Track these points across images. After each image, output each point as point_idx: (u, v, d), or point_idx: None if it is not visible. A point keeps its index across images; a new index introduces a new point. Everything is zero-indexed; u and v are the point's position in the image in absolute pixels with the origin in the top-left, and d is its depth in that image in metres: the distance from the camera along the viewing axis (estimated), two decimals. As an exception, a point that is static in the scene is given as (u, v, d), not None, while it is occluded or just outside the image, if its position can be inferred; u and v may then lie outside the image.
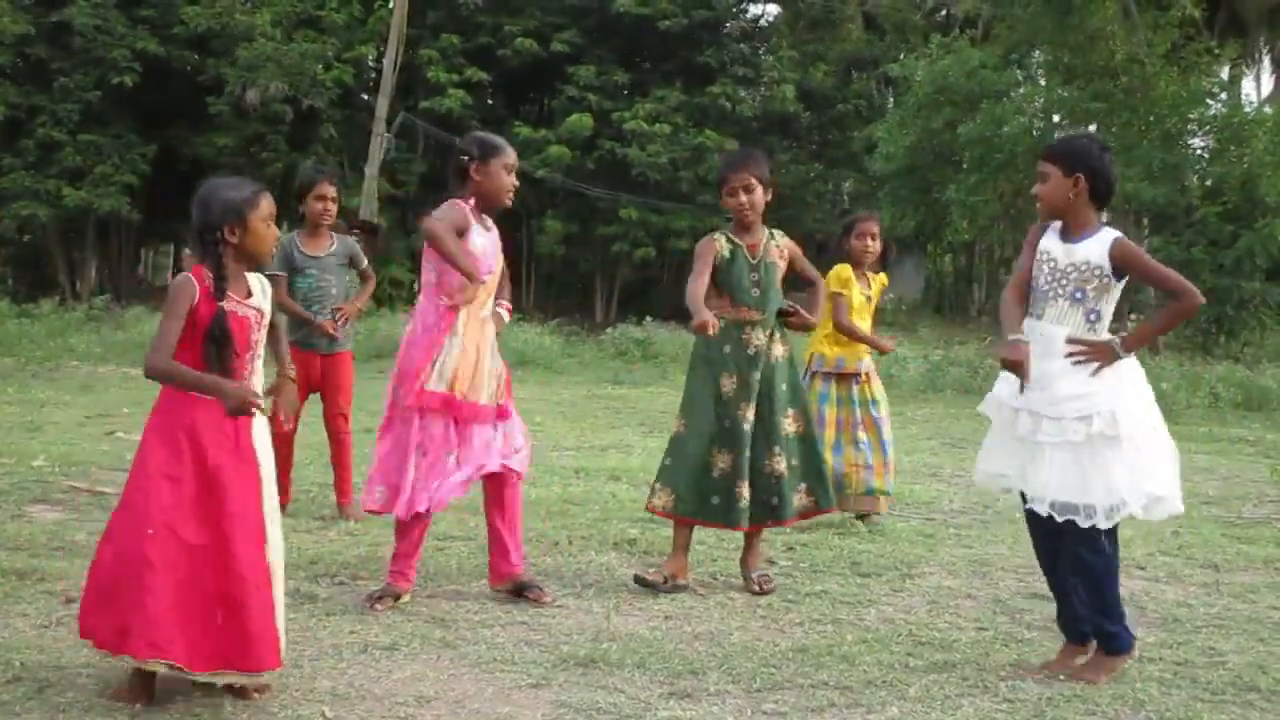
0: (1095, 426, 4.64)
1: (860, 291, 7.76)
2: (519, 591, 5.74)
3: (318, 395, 7.73)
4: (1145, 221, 27.08)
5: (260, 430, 4.38)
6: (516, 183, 5.80)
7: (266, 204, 4.34)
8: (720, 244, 6.14)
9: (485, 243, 5.67)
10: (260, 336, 4.40)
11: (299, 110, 30.29)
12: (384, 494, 5.62)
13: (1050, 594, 5.12)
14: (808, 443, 6.18)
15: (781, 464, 6.06)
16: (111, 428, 11.37)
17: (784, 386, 6.13)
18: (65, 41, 29.48)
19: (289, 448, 7.49)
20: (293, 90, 29.78)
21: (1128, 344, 4.77)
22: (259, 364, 4.42)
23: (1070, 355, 4.73)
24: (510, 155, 5.77)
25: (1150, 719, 4.34)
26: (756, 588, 6.07)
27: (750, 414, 6.04)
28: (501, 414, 5.74)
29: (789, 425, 6.12)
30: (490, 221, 5.80)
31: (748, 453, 6.03)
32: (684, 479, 6.03)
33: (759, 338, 6.08)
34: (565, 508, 7.97)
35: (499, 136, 5.91)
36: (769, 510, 6.08)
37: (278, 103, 29.85)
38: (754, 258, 6.11)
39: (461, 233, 5.52)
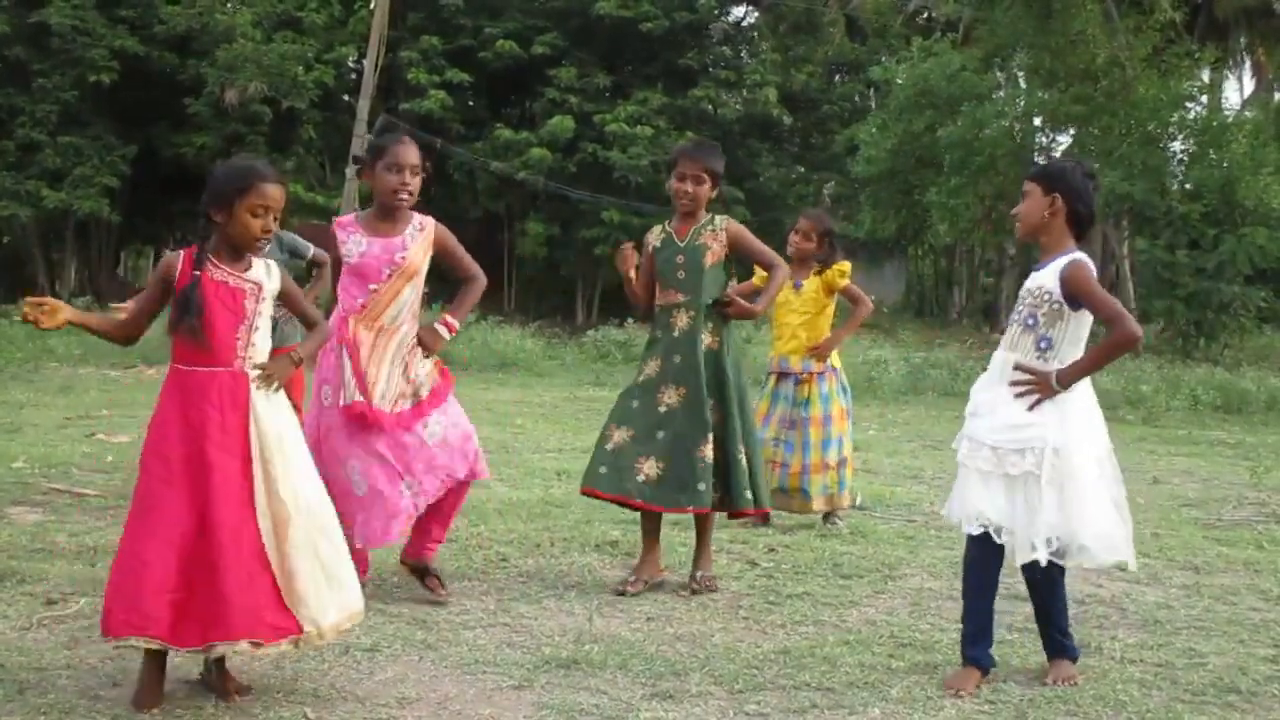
0: (1028, 462, 4.55)
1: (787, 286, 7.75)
2: (421, 574, 5.73)
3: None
4: (1125, 223, 27.17)
5: (264, 404, 4.35)
6: (406, 181, 5.55)
7: (258, 194, 4.27)
8: (653, 235, 6.26)
9: (374, 249, 5.55)
10: (258, 309, 4.36)
11: (278, 111, 30.19)
12: None
13: (1021, 598, 5.09)
14: (725, 435, 6.09)
15: (709, 451, 5.97)
16: (91, 429, 11.33)
17: (708, 374, 6.05)
18: (44, 42, 29.33)
19: None
20: (272, 91, 29.67)
21: (1063, 377, 4.59)
22: (258, 337, 4.36)
23: (1013, 384, 4.64)
24: (393, 154, 5.55)
25: (1131, 719, 4.36)
26: (696, 586, 6.06)
27: (672, 397, 6.03)
28: (411, 418, 5.55)
29: (711, 414, 6.04)
30: (404, 228, 5.61)
31: (659, 434, 6.00)
32: (593, 455, 6.11)
33: (683, 320, 6.08)
34: (547, 509, 7.96)
35: (398, 137, 5.75)
36: (691, 495, 5.96)
37: (257, 103, 29.73)
38: (682, 240, 6.14)
39: (330, 252, 5.59)
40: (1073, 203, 4.71)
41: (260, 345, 4.39)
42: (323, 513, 4.40)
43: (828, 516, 7.82)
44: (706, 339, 6.09)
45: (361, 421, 5.46)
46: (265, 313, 4.40)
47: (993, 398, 4.70)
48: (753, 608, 5.77)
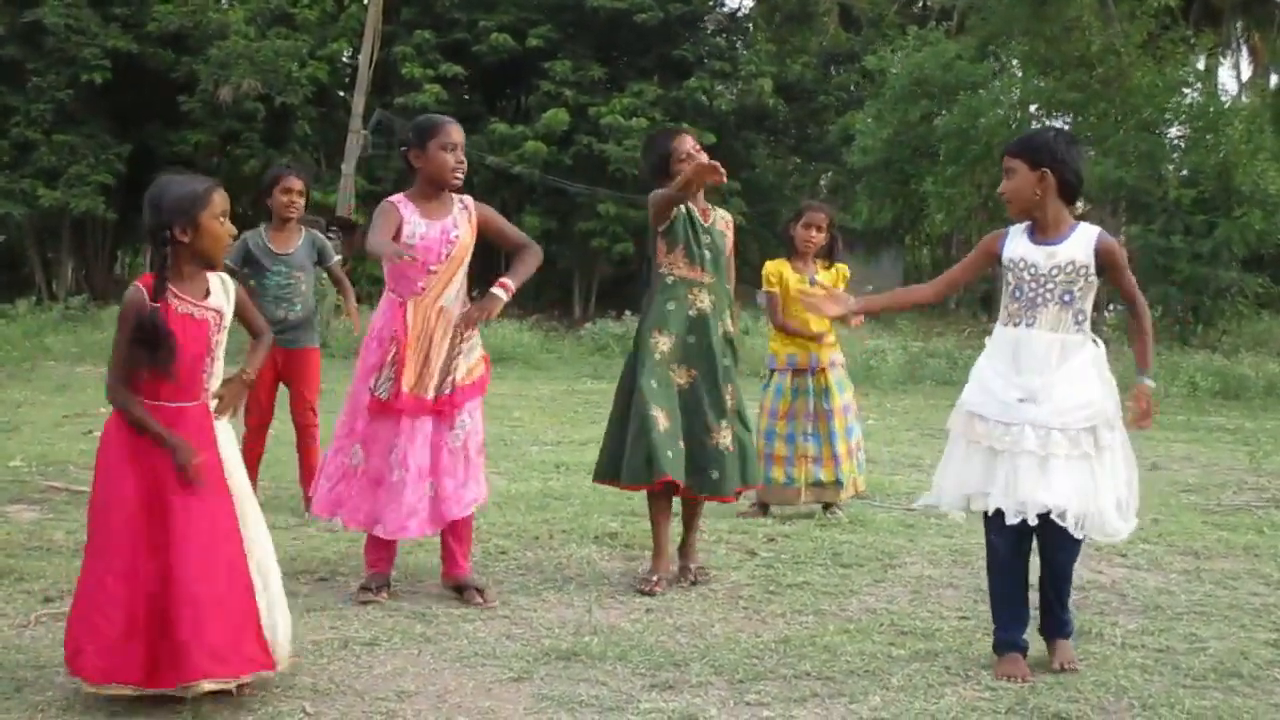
0: (1104, 439, 4.61)
1: (799, 281, 7.73)
2: (460, 590, 5.64)
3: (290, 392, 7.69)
4: (1122, 209, 27.16)
5: (223, 441, 4.33)
6: (461, 160, 5.58)
7: (219, 201, 4.22)
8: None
9: (433, 232, 5.52)
10: (220, 338, 4.30)
11: (273, 108, 30.13)
12: (328, 497, 5.60)
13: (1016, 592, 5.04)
14: (744, 421, 6.08)
15: (727, 438, 5.91)
16: (88, 427, 11.30)
17: (725, 361, 5.99)
18: (38, 41, 29.29)
19: (259, 445, 7.52)
20: (266, 88, 29.60)
21: (1148, 372, 4.80)
22: (219, 366, 4.33)
23: (1136, 419, 4.74)
24: (447, 134, 5.54)
25: (1132, 705, 4.34)
26: (692, 579, 6.02)
27: (682, 377, 5.92)
28: (448, 405, 5.53)
29: (729, 401, 5.98)
30: (451, 208, 5.61)
31: (679, 415, 5.86)
32: (614, 445, 5.97)
33: (705, 300, 5.97)
34: (545, 502, 7.96)
35: (443, 116, 5.73)
36: (711, 483, 5.90)
37: (251, 100, 29.66)
38: (707, 222, 6.06)
39: (393, 226, 5.42)
40: (1063, 174, 4.67)
41: (219, 373, 4.34)
42: (270, 563, 4.39)
43: (828, 506, 7.81)
44: (726, 324, 6.05)
45: (404, 410, 5.46)
46: (224, 340, 4.34)
47: (1048, 382, 4.65)
48: (752, 598, 5.76)
